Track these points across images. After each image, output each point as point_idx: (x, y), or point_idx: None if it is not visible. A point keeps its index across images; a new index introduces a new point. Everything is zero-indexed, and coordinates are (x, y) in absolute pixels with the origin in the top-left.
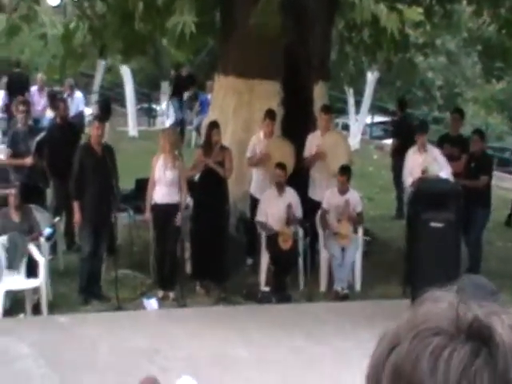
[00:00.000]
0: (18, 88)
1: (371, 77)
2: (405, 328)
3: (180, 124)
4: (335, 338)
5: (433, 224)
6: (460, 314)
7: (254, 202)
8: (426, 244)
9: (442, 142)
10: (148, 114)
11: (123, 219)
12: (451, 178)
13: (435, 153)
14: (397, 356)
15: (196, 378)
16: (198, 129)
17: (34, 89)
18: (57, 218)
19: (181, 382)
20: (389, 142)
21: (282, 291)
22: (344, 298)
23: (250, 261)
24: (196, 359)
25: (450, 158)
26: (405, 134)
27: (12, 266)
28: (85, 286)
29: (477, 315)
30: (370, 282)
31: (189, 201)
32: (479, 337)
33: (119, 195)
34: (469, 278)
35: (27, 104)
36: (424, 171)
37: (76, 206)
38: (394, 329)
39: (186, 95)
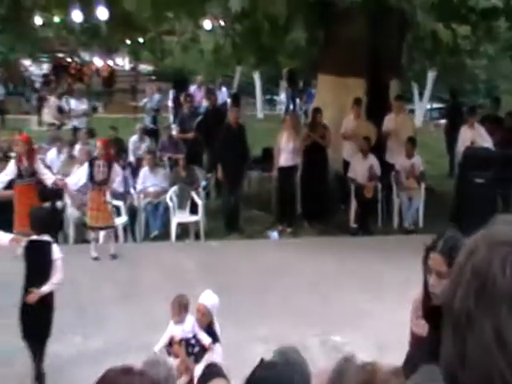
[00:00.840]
0: (182, 86)
1: (431, 74)
2: (480, 240)
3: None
4: (404, 261)
5: (477, 180)
6: None
7: (346, 164)
8: (471, 194)
9: (483, 121)
10: (270, 103)
11: (254, 175)
12: (492, 148)
13: (481, 130)
14: (474, 260)
15: (304, 287)
16: (306, 113)
17: (193, 87)
18: (209, 174)
19: (204, 294)
20: (443, 122)
21: (365, 227)
22: (410, 232)
23: (343, 206)
24: (305, 274)
25: (490, 133)
26: (455, 116)
27: (181, 206)
28: (227, 221)
29: None
30: (430, 221)
31: None
32: None
33: (250, 159)
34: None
35: (191, 97)
36: (472, 143)
37: (219, 166)
38: (472, 241)
39: (300, 84)
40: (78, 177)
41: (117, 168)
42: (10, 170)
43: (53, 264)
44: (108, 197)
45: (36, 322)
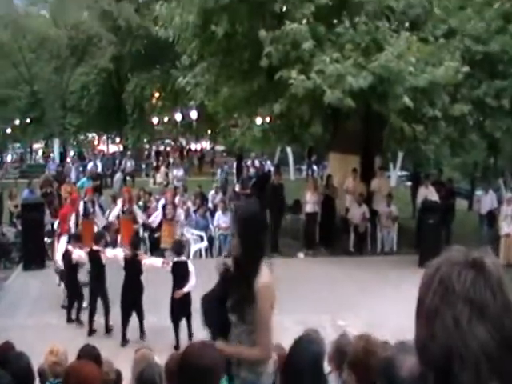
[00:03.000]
0: (241, 159)
1: (400, 154)
2: (443, 261)
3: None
4: (385, 271)
5: (429, 221)
6: (468, 256)
7: (347, 210)
8: (426, 229)
9: (433, 184)
10: (299, 170)
11: (288, 217)
12: (438, 201)
13: (432, 189)
14: (441, 273)
15: (320, 287)
16: (321, 177)
17: (249, 160)
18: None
19: None
20: (408, 183)
21: (360, 250)
22: (388, 254)
23: (345, 236)
24: (321, 280)
25: (437, 191)
26: (416, 180)
27: None
28: (271, 246)
29: (476, 256)
30: (400, 247)
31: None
32: (478, 266)
33: (286, 206)
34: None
35: (247, 166)
36: (426, 198)
37: (268, 211)
38: (437, 261)
39: (314, 157)
40: (158, 216)
41: (179, 210)
42: (118, 208)
43: (189, 275)
44: (176, 228)
45: (181, 309)
